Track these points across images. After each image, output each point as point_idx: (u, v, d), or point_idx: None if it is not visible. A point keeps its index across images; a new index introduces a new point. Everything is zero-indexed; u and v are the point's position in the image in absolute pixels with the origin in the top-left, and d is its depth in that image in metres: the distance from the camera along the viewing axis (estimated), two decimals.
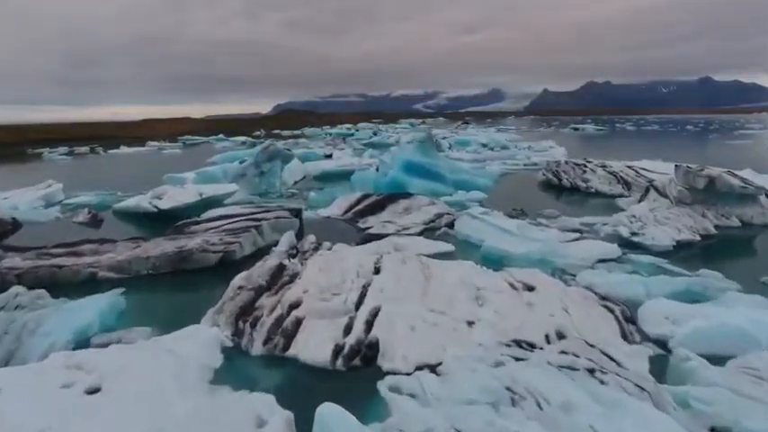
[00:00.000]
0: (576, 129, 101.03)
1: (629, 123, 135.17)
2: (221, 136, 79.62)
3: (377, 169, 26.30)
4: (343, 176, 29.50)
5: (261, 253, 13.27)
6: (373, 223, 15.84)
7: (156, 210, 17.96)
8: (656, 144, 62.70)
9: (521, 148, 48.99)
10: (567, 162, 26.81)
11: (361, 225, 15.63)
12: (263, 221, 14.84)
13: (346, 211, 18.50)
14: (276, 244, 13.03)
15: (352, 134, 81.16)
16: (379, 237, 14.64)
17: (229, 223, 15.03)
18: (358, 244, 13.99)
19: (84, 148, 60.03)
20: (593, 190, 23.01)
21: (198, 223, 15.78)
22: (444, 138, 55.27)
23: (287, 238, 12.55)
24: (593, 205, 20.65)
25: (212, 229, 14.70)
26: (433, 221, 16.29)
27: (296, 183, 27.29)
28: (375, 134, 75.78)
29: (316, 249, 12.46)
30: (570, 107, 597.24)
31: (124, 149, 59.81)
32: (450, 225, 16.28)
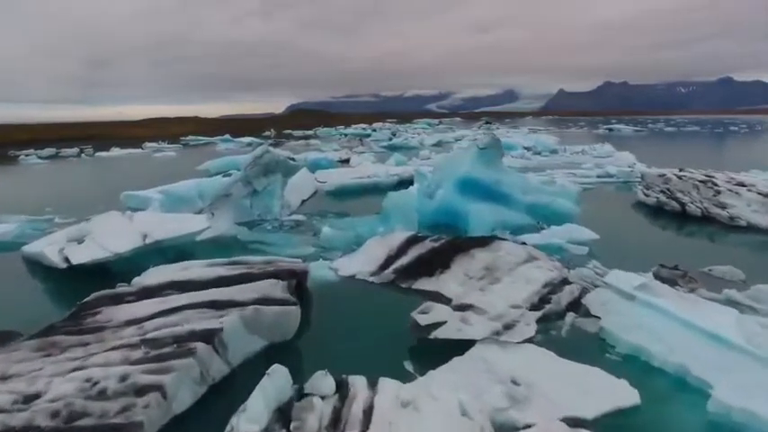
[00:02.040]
0: (610, 130, 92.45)
1: (663, 124, 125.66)
2: (227, 136, 72.52)
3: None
4: (366, 192, 22.43)
5: (210, 406, 6.08)
6: (440, 312, 8.35)
7: (66, 265, 10.86)
8: (723, 147, 54.42)
9: (572, 153, 41.41)
10: (680, 177, 19.16)
11: (418, 317, 8.11)
12: (232, 311, 7.59)
13: (383, 267, 11.21)
14: (250, 367, 5.92)
15: (369, 135, 73.91)
16: (459, 346, 7.36)
17: (169, 310, 7.82)
18: (421, 371, 6.80)
19: (73, 150, 53.70)
20: (742, 222, 15.44)
21: (121, 299, 8.65)
22: (475, 140, 47.62)
23: (266, 393, 5.29)
24: (764, 249, 13.17)
25: (133, 324, 7.50)
26: (546, 301, 8.89)
27: (303, 202, 20.03)
28: (394, 135, 68.46)
29: (336, 421, 5.20)
30: (586, 108, 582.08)
31: (115, 152, 53.18)
32: (575, 305, 8.94)
